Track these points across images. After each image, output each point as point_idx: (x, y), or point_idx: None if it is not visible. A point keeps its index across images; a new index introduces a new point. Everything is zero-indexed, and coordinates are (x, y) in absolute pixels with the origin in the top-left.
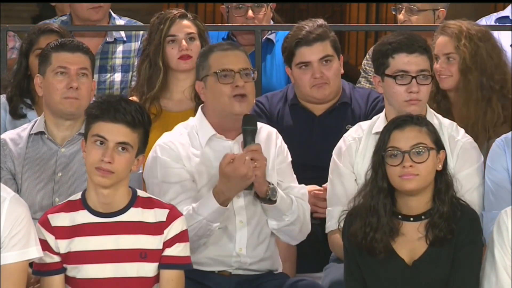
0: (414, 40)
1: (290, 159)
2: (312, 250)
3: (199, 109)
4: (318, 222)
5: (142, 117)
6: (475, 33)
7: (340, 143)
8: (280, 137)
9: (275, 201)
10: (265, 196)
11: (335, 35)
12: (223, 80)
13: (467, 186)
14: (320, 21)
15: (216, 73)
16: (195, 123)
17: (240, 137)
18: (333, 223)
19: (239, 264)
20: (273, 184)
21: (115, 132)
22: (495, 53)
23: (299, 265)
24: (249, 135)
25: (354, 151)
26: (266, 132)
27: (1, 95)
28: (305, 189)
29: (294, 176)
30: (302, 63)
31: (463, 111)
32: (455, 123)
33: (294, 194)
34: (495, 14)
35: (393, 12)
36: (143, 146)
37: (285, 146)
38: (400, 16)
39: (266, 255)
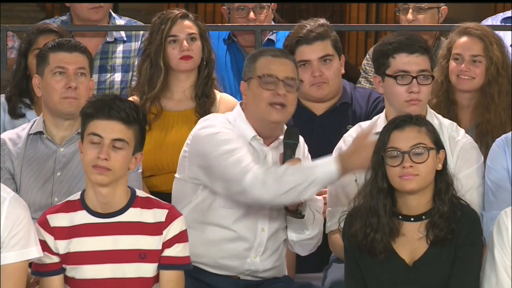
0: (414, 40)
1: None
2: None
3: (238, 106)
4: None
5: (137, 115)
6: (499, 38)
7: (341, 143)
8: (306, 147)
9: (303, 216)
10: (296, 210)
11: (337, 35)
12: (266, 86)
13: (467, 186)
14: (322, 20)
15: (260, 77)
16: (234, 118)
17: (275, 144)
18: (333, 223)
19: (251, 272)
20: (304, 199)
21: (110, 129)
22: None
23: (299, 265)
24: (289, 148)
25: None
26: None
27: (1, 95)
28: (321, 202)
29: None
30: (302, 62)
31: (488, 116)
32: (455, 123)
33: (315, 207)
34: (501, 14)
35: (398, 13)
36: (140, 144)
37: (309, 155)
38: (409, 16)
39: (276, 264)
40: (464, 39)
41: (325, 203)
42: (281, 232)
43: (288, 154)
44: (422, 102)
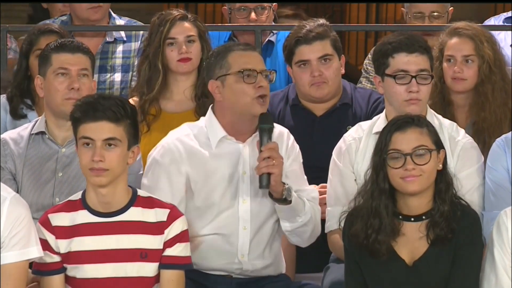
0: (414, 40)
1: (301, 160)
2: (312, 251)
3: (209, 109)
4: None
5: (124, 110)
6: (490, 36)
7: (340, 143)
8: (291, 138)
9: (290, 201)
10: (281, 197)
11: (336, 35)
12: (248, 80)
13: (468, 187)
14: (322, 20)
15: (241, 72)
16: (204, 124)
17: (251, 140)
18: (333, 223)
19: (241, 271)
20: (288, 184)
21: (99, 130)
22: (505, 58)
23: (298, 265)
24: (266, 133)
25: (354, 151)
26: (277, 132)
27: (1, 95)
28: (316, 192)
29: (305, 177)
30: (301, 62)
31: (483, 114)
32: (455, 124)
33: (305, 196)
34: (504, 14)
35: (412, 20)
36: (134, 137)
37: (297, 147)
38: (426, 23)
39: (268, 262)
40: (454, 40)
41: (324, 203)
42: (268, 228)
43: (265, 139)
44: (422, 102)
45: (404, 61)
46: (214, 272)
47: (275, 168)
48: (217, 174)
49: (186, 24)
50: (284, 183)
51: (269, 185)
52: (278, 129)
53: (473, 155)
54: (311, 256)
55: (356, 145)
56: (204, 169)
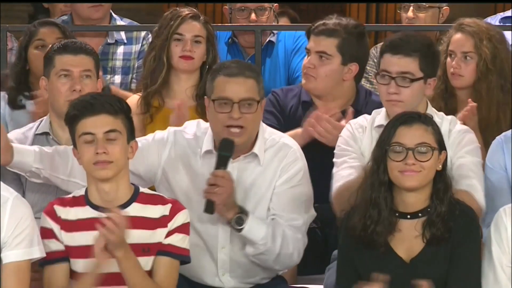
0: (405, 41)
1: (296, 184)
2: (312, 254)
3: None
4: (318, 225)
5: (121, 104)
6: (494, 34)
7: (346, 127)
8: (296, 159)
9: (239, 230)
10: (229, 224)
11: (353, 40)
12: (220, 108)
13: (464, 162)
14: (345, 20)
15: (214, 101)
16: (205, 127)
17: (238, 162)
18: (337, 181)
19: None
20: (241, 213)
21: (99, 123)
22: (510, 56)
23: (300, 267)
24: (222, 160)
25: (361, 136)
26: (280, 144)
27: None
28: (299, 220)
29: (298, 204)
30: (307, 50)
31: (479, 113)
32: (454, 117)
33: (284, 222)
34: (500, 14)
35: (398, 11)
36: (131, 132)
37: (299, 170)
38: (409, 13)
39: (256, 280)
40: (458, 35)
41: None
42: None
43: (219, 166)
44: (404, 104)
45: (387, 61)
46: (203, 282)
47: (216, 197)
48: (198, 190)
49: (196, 24)
50: (239, 212)
51: (213, 211)
52: (286, 143)
53: (467, 138)
54: (311, 259)
55: (363, 130)
56: (185, 178)
